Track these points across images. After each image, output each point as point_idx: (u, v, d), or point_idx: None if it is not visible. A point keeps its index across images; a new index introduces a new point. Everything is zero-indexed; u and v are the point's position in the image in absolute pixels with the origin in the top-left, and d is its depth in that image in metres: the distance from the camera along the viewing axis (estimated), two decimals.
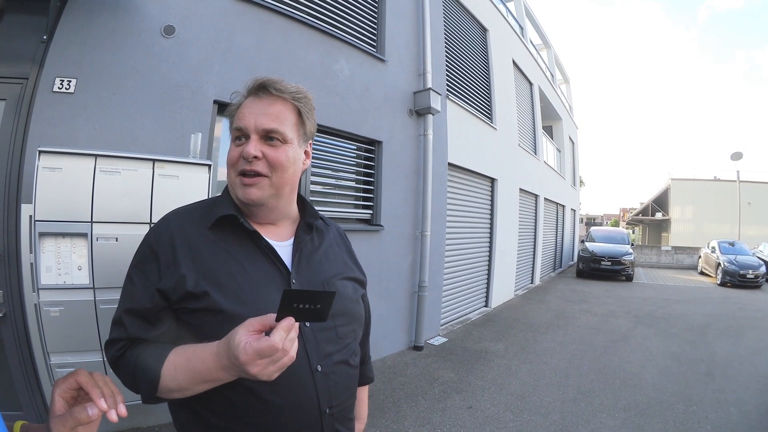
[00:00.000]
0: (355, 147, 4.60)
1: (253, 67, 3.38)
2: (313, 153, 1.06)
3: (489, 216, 7.75)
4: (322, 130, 4.04)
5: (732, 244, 13.79)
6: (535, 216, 10.90)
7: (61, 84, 2.47)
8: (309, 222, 1.03)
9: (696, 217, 27.09)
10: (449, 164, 5.96)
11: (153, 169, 2.07)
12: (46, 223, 1.97)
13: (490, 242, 7.79)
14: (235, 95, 0.97)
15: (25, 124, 2.42)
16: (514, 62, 9.15)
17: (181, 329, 0.88)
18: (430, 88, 5.10)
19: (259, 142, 0.90)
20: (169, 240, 0.89)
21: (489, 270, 7.79)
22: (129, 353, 0.85)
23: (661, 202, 30.22)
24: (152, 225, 0.98)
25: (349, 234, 1.26)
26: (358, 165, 4.65)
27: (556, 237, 14.32)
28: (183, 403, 0.89)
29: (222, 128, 3.29)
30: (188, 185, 2.14)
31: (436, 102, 5.13)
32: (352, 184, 4.59)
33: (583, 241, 15.26)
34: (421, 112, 5.17)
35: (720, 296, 10.29)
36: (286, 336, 0.67)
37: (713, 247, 14.13)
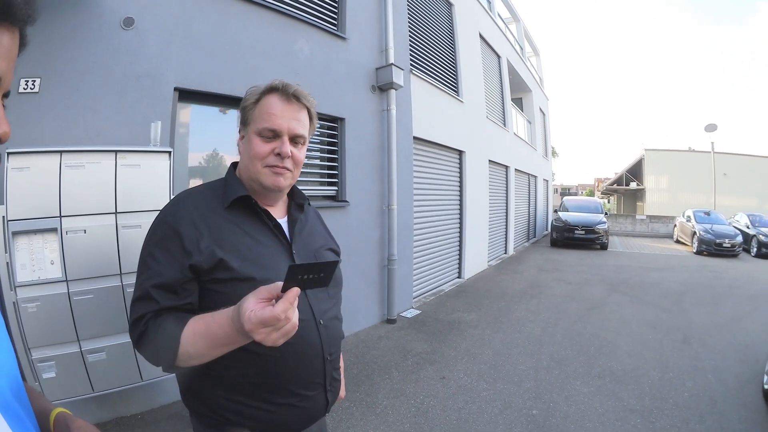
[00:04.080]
0: (318, 125, 4.67)
1: (213, 51, 3.45)
2: None
3: (458, 188, 7.92)
4: None
5: (707, 213, 13.90)
6: (506, 187, 11.14)
7: (26, 85, 2.48)
8: (300, 203, 1.21)
9: (671, 186, 27.28)
10: (415, 138, 6.09)
11: (115, 159, 2.19)
12: (19, 222, 2.02)
13: (461, 214, 7.94)
14: (252, 91, 1.09)
15: None
16: (480, 36, 9.22)
17: (208, 299, 0.96)
18: (392, 64, 5.20)
19: (289, 143, 1.06)
20: (188, 218, 0.99)
21: (461, 241, 7.96)
22: (151, 324, 0.91)
23: (635, 172, 30.63)
24: (165, 206, 1.05)
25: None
26: (321, 143, 4.75)
27: (529, 207, 14.59)
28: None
29: (189, 114, 3.38)
30: (150, 173, 2.25)
31: (398, 77, 5.23)
32: (317, 161, 4.71)
33: (556, 211, 15.32)
34: (383, 87, 5.28)
35: (696, 264, 10.30)
36: (291, 306, 0.73)
37: (688, 216, 14.22)
